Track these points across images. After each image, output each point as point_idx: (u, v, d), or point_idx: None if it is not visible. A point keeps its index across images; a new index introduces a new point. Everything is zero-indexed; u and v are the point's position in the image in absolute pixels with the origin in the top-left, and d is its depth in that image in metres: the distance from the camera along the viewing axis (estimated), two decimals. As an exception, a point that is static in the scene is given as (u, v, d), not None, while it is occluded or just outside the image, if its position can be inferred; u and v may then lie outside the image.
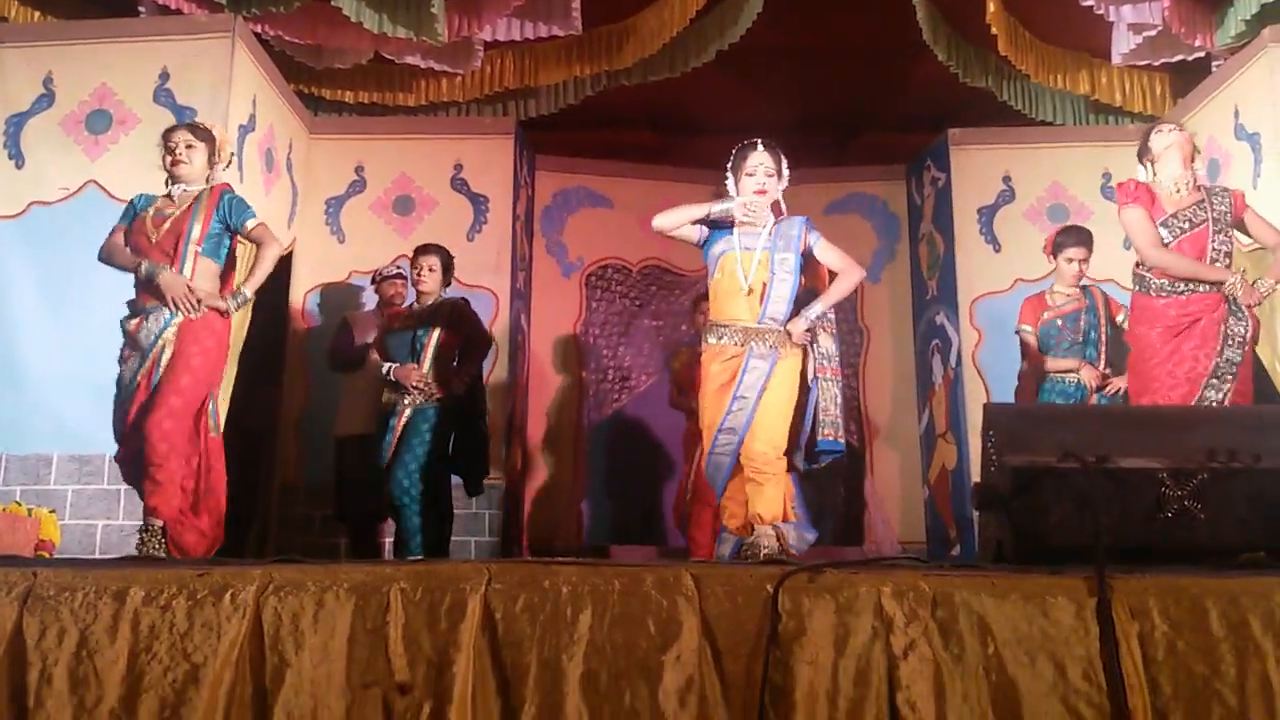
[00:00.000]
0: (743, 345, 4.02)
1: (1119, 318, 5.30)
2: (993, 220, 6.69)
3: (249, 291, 4.22)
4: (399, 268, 5.86)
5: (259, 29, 5.94)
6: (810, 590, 2.06)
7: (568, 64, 6.82)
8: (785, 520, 4.00)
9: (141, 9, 5.89)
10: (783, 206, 4.19)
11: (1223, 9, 5.93)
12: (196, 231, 4.12)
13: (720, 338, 4.08)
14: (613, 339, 7.56)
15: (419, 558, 4.79)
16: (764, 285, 4.05)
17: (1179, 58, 6.37)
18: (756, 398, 3.98)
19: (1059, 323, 5.28)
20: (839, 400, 4.18)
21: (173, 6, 5.77)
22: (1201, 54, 6.25)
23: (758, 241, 4.10)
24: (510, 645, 2.00)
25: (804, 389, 4.10)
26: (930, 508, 6.85)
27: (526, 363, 7.08)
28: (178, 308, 4.02)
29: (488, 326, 6.09)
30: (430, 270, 5.25)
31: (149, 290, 4.09)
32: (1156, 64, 6.51)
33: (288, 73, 6.38)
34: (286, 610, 2.03)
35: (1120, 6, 6.09)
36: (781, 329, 4.04)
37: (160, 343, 4.02)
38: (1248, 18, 5.71)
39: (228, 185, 4.33)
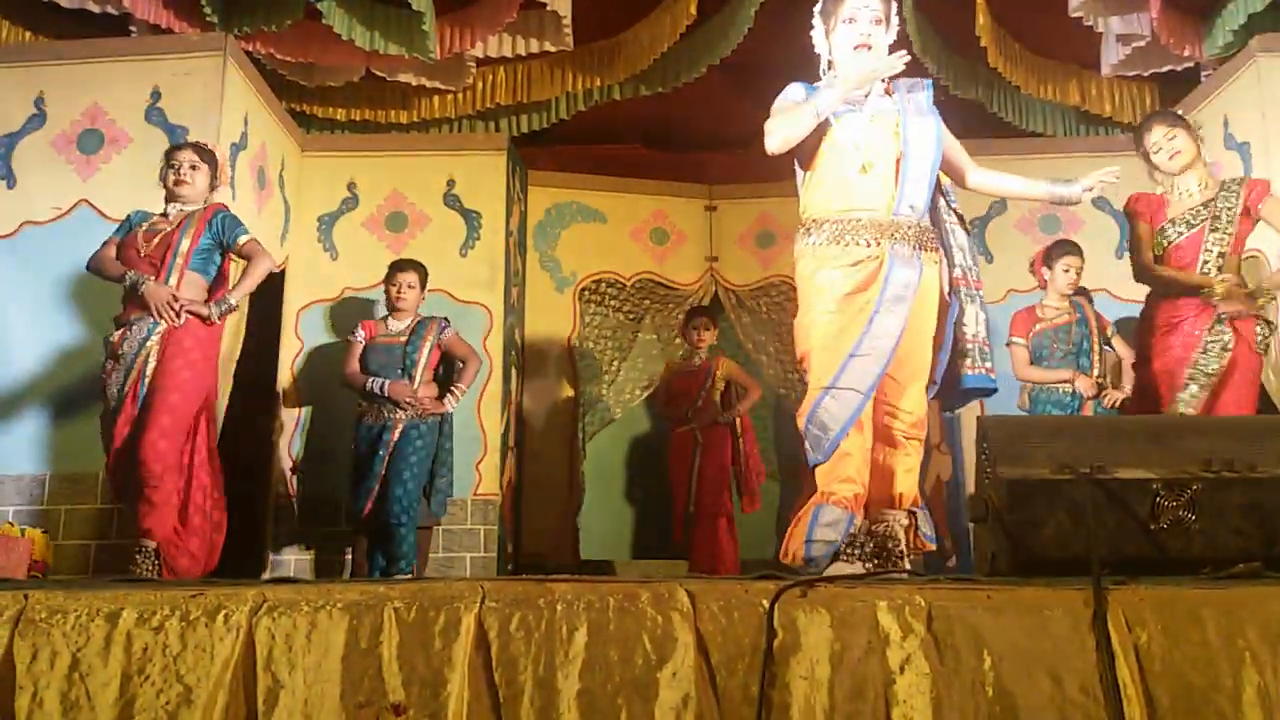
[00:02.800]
0: (876, 245, 3.06)
1: (1109, 330, 5.33)
2: (985, 231, 6.71)
3: (234, 299, 4.21)
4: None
5: (250, 47, 5.94)
6: (805, 605, 2.05)
7: (560, 79, 6.83)
8: (917, 505, 3.23)
9: (133, 28, 5.89)
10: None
11: (1211, 19, 5.95)
12: (185, 245, 4.13)
13: (840, 237, 3.07)
14: (607, 353, 7.57)
15: (409, 576, 4.78)
16: (897, 161, 3.12)
17: (1168, 68, 6.40)
18: (904, 321, 3.02)
19: (1051, 334, 5.30)
20: (984, 320, 3.23)
21: (164, 26, 5.77)
22: (1190, 64, 6.28)
23: (879, 102, 3.18)
24: (505, 664, 1.99)
25: (940, 308, 3.21)
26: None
27: (521, 378, 7.07)
28: (160, 316, 4.01)
29: (481, 342, 6.10)
30: (410, 287, 5.30)
31: (135, 301, 4.09)
32: (1146, 74, 6.54)
33: (280, 91, 6.39)
34: (280, 630, 2.02)
35: (1109, 18, 6.12)
36: (922, 224, 3.13)
37: (143, 351, 4.00)
38: (1235, 28, 5.73)
39: (222, 205, 4.34)
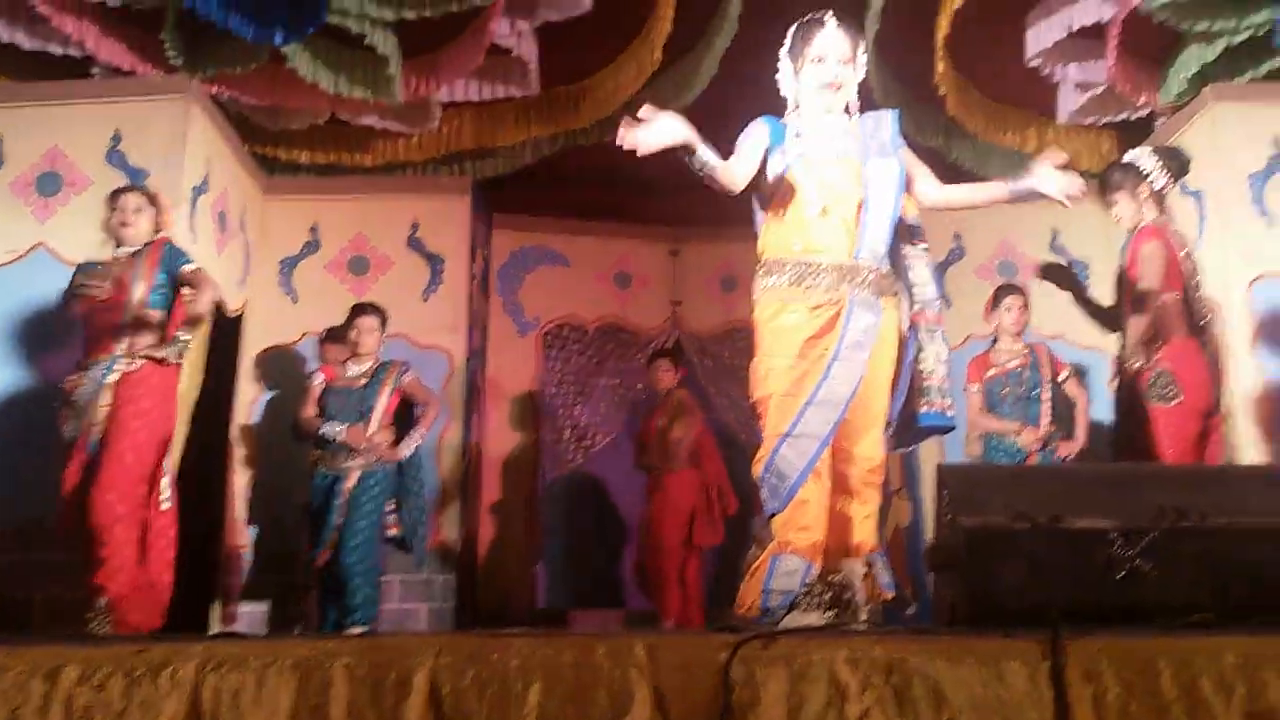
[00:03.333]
0: (836, 290, 3.01)
1: (1061, 376, 5.36)
2: (943, 276, 6.76)
3: (186, 336, 4.09)
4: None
5: (214, 90, 5.92)
6: (764, 658, 2.03)
7: (525, 125, 6.85)
8: (876, 553, 3.17)
9: (95, 70, 5.86)
10: (853, 105, 3.19)
11: (1165, 68, 6.07)
12: (139, 288, 4.06)
13: (801, 280, 3.03)
14: (569, 398, 7.55)
15: (363, 630, 4.72)
16: (859, 205, 3.08)
17: (1124, 115, 6.51)
18: (863, 367, 2.97)
19: (1002, 380, 5.35)
20: (945, 358, 3.19)
21: (126, 68, 5.75)
22: (1146, 112, 6.40)
23: (844, 144, 3.13)
24: (457, 722, 1.95)
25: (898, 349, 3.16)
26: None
27: (482, 422, 7.03)
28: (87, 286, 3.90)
29: (442, 387, 6.07)
30: (370, 331, 5.23)
31: (93, 345, 4.01)
32: (1102, 122, 6.65)
33: (243, 133, 6.36)
34: (227, 687, 1.98)
35: (1066, 65, 6.24)
36: (882, 270, 3.09)
37: (98, 396, 3.90)
38: (1189, 76, 5.85)
39: (166, 238, 4.26)
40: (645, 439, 6.71)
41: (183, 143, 5.40)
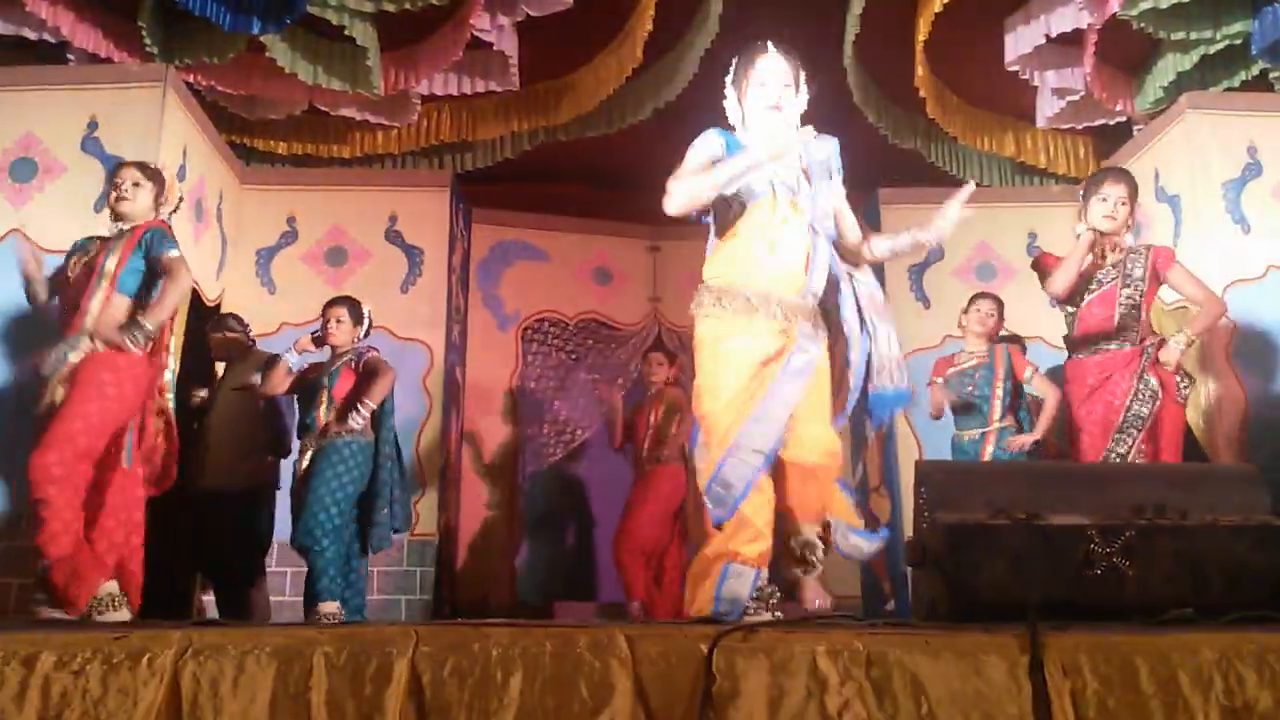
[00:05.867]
0: (787, 323, 3.13)
1: (1025, 374, 5.38)
2: (922, 277, 6.80)
3: (150, 324, 3.85)
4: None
5: (191, 79, 5.88)
6: (745, 650, 2.03)
7: (505, 119, 6.85)
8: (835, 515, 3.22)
9: (70, 57, 5.81)
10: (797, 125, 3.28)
11: (1142, 76, 6.13)
12: (110, 265, 3.91)
13: (752, 311, 3.13)
14: (549, 392, 7.54)
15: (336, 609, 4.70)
16: (808, 253, 3.19)
17: (1101, 121, 6.56)
18: (800, 392, 3.10)
19: (958, 378, 5.40)
20: (894, 340, 3.28)
21: (103, 55, 5.70)
22: (1123, 118, 6.45)
23: (792, 178, 3.21)
24: (438, 711, 1.94)
25: (839, 347, 3.26)
26: (864, 563, 6.86)
27: (461, 416, 7.01)
28: (27, 281, 3.92)
29: (421, 380, 6.02)
30: (338, 322, 5.12)
31: (66, 317, 3.93)
32: (1080, 127, 6.70)
33: (220, 123, 6.32)
34: (206, 675, 1.96)
35: (1045, 71, 6.28)
36: (818, 306, 3.22)
37: (57, 374, 3.76)
38: (1166, 84, 5.91)
39: (159, 222, 4.08)
40: (636, 430, 6.65)
41: (158, 131, 5.34)
